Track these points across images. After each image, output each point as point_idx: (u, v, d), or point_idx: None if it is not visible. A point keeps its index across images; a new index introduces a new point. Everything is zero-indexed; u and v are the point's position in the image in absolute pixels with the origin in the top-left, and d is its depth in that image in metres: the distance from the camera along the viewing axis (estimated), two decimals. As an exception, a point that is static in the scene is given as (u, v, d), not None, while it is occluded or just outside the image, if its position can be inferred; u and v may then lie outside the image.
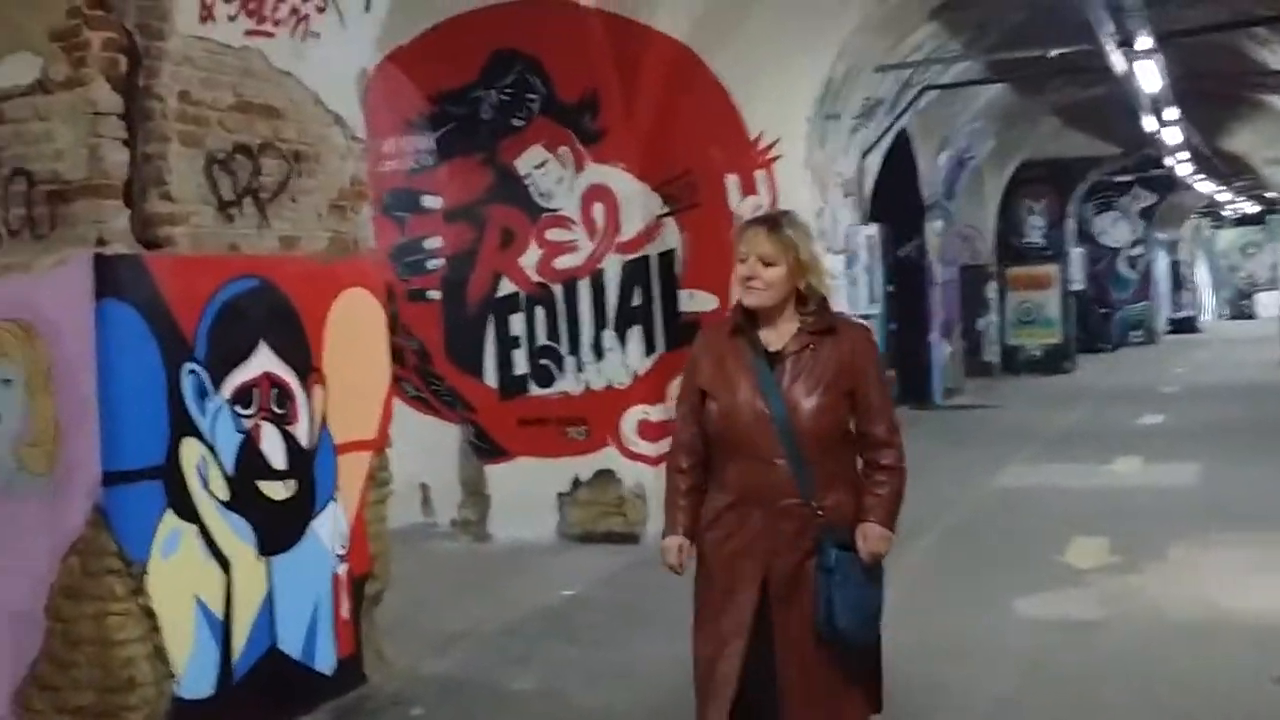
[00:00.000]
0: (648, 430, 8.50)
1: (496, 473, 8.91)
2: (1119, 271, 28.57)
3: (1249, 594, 6.53)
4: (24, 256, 4.54)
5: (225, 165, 4.95)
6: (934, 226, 17.29)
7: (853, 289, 12.71)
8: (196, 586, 4.73)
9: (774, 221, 3.52)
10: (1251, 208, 35.91)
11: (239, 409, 4.93)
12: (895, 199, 15.83)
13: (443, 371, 9.03)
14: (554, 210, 8.52)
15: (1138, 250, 28.64)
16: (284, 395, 5.16)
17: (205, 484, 4.76)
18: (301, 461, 5.23)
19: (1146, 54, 11.57)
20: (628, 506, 8.45)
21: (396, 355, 9.04)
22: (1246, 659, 5.48)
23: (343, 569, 5.43)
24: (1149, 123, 16.39)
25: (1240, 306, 42.61)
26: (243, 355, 4.97)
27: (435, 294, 9.00)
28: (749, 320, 3.52)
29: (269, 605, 5.05)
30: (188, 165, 4.76)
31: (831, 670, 3.46)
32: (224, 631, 4.84)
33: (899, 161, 15.30)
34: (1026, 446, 12.71)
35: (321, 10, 5.27)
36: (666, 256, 8.65)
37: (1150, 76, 12.76)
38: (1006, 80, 15.25)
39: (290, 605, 5.14)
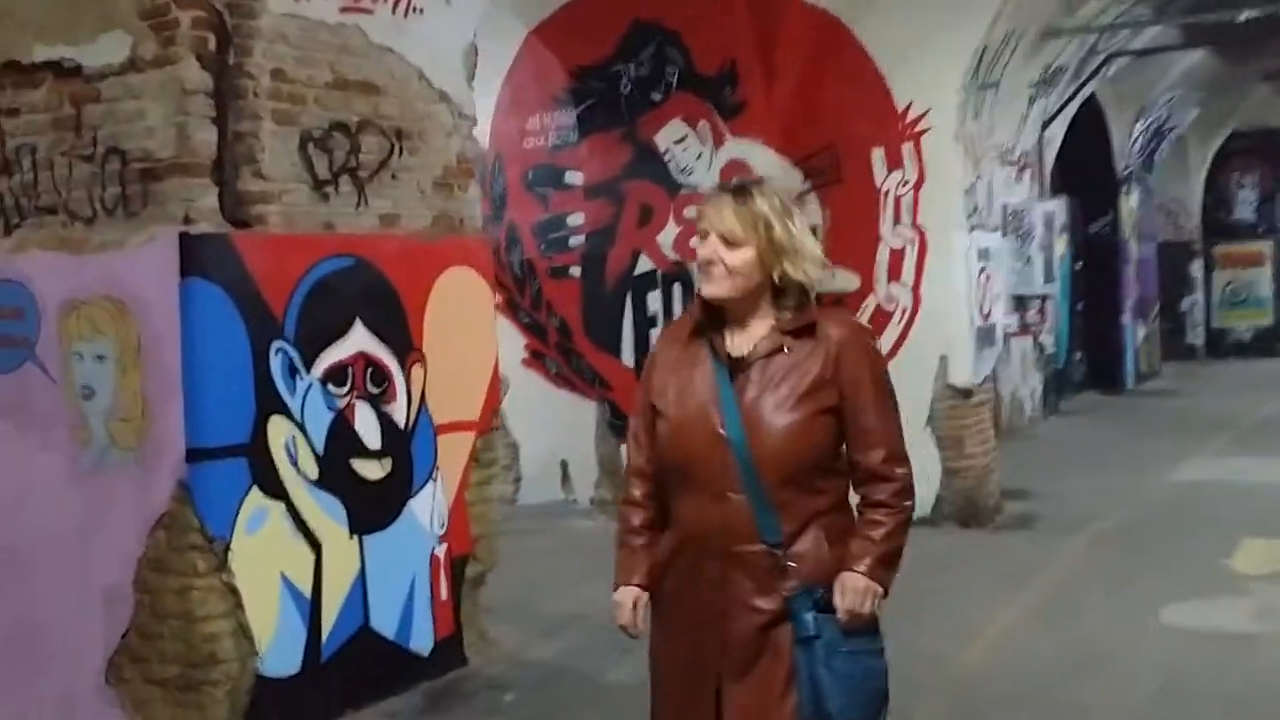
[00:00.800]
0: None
1: (631, 452, 8.79)
2: (1341, 249, 26.54)
3: None
4: (117, 234, 4.61)
5: (321, 143, 4.93)
6: (1129, 200, 16.33)
7: (1026, 268, 12.13)
8: (283, 564, 4.74)
9: (742, 191, 2.72)
10: None
11: (331, 387, 4.92)
12: (1086, 172, 15.04)
13: (582, 349, 8.98)
14: (693, 186, 8.33)
15: (1362, 226, 26.54)
16: (380, 374, 5.13)
17: (294, 462, 4.76)
18: (398, 441, 5.20)
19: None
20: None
21: (539, 331, 9.09)
22: None
23: (441, 549, 5.38)
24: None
25: None
26: (336, 334, 4.95)
27: (576, 271, 8.93)
28: (712, 318, 2.78)
29: (361, 584, 5.04)
30: (281, 143, 4.76)
31: None
32: (312, 609, 4.84)
33: (1090, 133, 14.51)
34: (1217, 437, 11.86)
35: (423, -15, 5.20)
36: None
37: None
38: (1206, 46, 14.22)
39: (384, 585, 5.12)
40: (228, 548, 4.51)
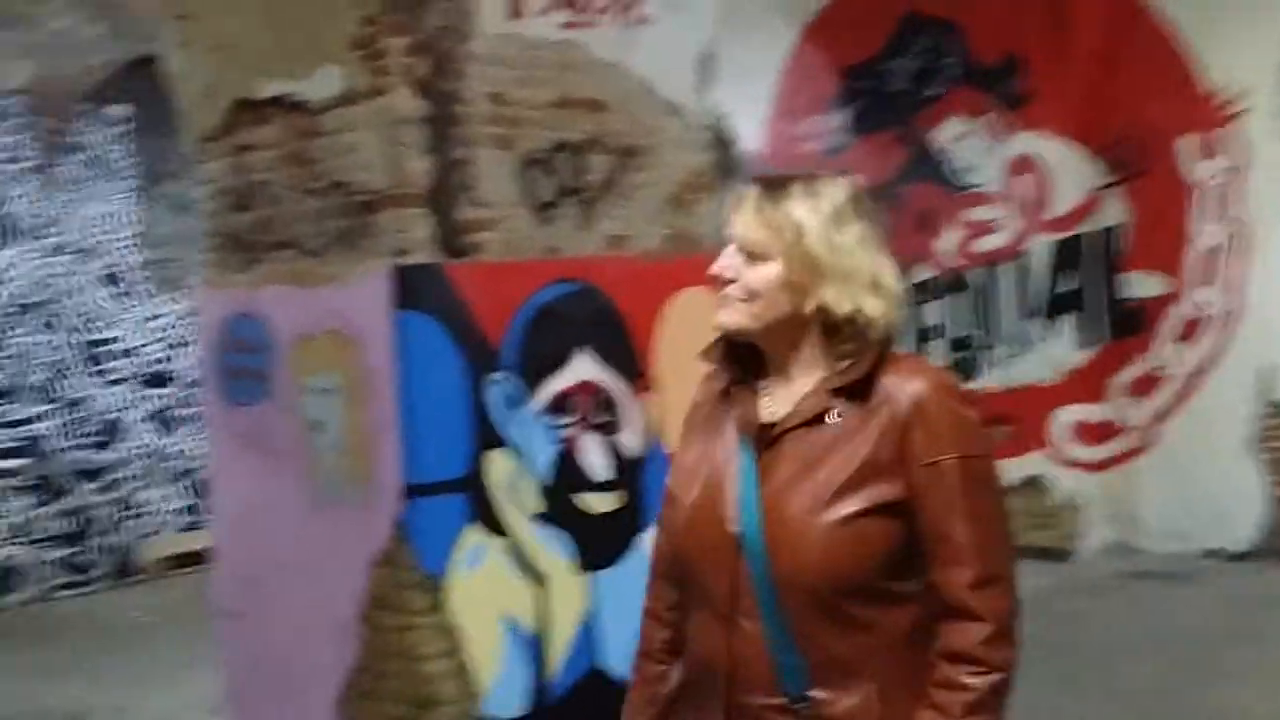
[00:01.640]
0: (1087, 433, 7.48)
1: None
2: None
3: None
4: (340, 267, 4.61)
5: (544, 165, 4.77)
6: None
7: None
8: (505, 603, 4.60)
9: (776, 186, 1.93)
10: None
11: (555, 418, 4.75)
12: None
13: (861, 362, 8.50)
14: (974, 186, 7.72)
15: None
16: (607, 403, 4.92)
17: (514, 497, 4.62)
18: (629, 473, 4.97)
19: None
20: (1058, 518, 7.50)
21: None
22: None
23: (679, 586, 5.11)
24: None
25: None
26: (559, 362, 4.77)
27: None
28: (740, 363, 2.03)
29: (591, 623, 4.85)
30: (499, 168, 4.62)
31: None
32: (537, 650, 4.68)
33: None
34: None
35: (648, -8, 4.96)
36: (1105, 234, 7.56)
37: None
38: None
39: (616, 623, 4.90)
40: (445, 585, 4.41)
